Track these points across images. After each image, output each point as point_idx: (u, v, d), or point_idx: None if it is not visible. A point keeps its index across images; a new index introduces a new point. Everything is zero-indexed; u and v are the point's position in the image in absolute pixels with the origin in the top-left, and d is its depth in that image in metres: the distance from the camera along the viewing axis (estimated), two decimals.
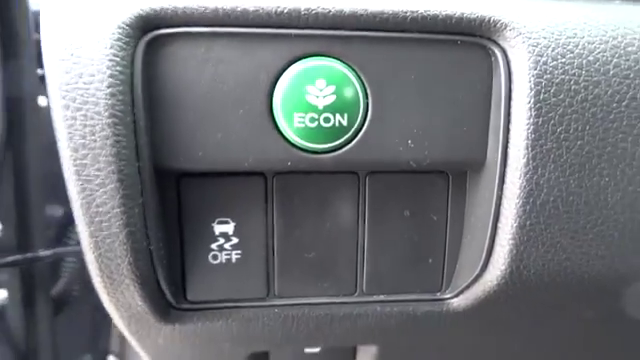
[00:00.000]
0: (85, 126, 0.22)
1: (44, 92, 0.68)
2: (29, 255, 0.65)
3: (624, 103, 0.24)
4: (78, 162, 0.22)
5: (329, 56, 0.24)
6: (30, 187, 0.68)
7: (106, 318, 0.82)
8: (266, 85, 0.24)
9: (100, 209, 0.22)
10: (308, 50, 0.24)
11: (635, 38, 0.25)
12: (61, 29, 0.22)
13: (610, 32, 0.24)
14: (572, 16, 0.25)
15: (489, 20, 0.24)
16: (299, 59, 0.24)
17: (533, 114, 0.24)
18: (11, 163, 0.65)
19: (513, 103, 0.24)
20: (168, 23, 0.22)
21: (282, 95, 0.24)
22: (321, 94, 0.24)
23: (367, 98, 0.24)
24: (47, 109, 0.73)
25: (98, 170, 0.22)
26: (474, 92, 0.25)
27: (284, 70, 0.24)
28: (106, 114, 0.21)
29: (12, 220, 0.65)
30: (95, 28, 0.22)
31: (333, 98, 0.24)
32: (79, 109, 0.21)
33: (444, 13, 0.24)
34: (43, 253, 0.66)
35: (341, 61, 0.24)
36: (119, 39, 0.22)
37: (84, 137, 0.22)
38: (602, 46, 0.24)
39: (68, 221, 0.74)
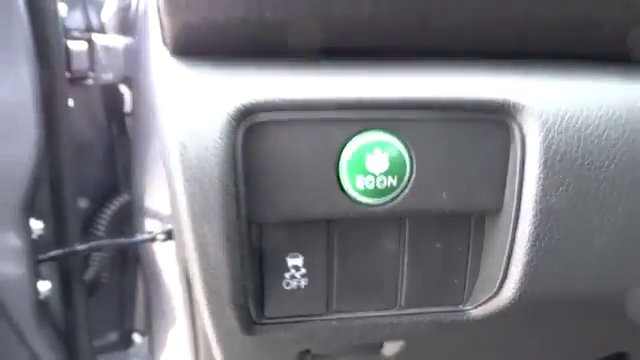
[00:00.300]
0: (202, 197, 0.28)
1: (72, 94, 0.72)
2: (67, 250, 0.71)
3: (612, 167, 0.31)
4: (196, 223, 0.28)
5: (383, 130, 0.30)
6: (65, 184, 0.73)
7: (130, 300, 0.89)
8: (334, 155, 0.30)
9: (211, 257, 0.29)
10: (367, 126, 0.30)
11: (623, 112, 0.31)
12: (181, 121, 0.27)
13: (604, 108, 0.31)
14: (575, 95, 0.31)
15: (509, 103, 0.30)
16: (360, 133, 0.30)
17: (542, 177, 0.30)
18: (47, 162, 0.70)
19: (526, 167, 0.31)
20: (261, 110, 0.28)
21: (347, 163, 0.30)
22: (377, 161, 0.30)
23: (412, 163, 0.31)
24: (74, 110, 0.77)
25: (210, 229, 0.28)
26: (495, 157, 0.31)
27: (348, 142, 0.30)
28: (217, 187, 0.28)
29: (50, 217, 0.71)
30: (207, 119, 0.27)
31: (387, 164, 0.30)
32: (198, 183, 0.27)
33: (474, 97, 0.30)
34: (79, 247, 0.72)
35: (392, 134, 0.30)
36: (226, 128, 0.27)
37: (200, 204, 0.28)
38: (597, 121, 0.31)
39: (94, 213, 0.79)
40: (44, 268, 0.71)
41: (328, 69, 0.30)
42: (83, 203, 0.79)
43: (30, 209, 0.68)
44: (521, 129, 0.31)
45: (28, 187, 0.67)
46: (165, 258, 0.78)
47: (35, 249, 0.68)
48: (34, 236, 0.68)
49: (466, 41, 0.31)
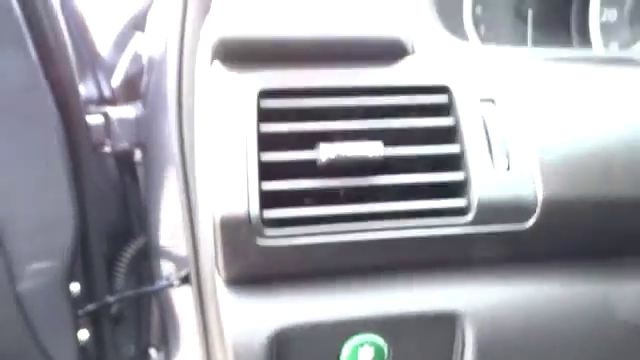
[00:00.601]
0: None
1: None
2: (100, 303, 0.84)
3: (531, 348, 0.45)
4: None
5: (370, 332, 0.44)
6: (93, 249, 0.85)
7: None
8: (336, 349, 0.43)
9: None
10: (359, 331, 0.43)
11: (535, 310, 0.45)
12: (233, 332, 0.40)
13: (523, 308, 0.45)
14: (502, 300, 0.45)
15: (451, 313, 0.44)
16: (355, 334, 0.44)
17: (475, 357, 0.45)
18: (79, 233, 0.81)
19: (465, 352, 0.45)
20: (290, 332, 0.41)
21: (345, 357, 0.44)
22: (366, 353, 0.44)
23: (390, 351, 0.45)
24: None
25: None
26: (444, 343, 0.45)
27: (345, 342, 0.44)
28: None
29: (83, 277, 0.83)
30: (253, 337, 0.40)
31: (372, 354, 0.44)
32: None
33: (426, 310, 0.43)
34: (110, 300, 0.86)
35: (376, 334, 0.44)
36: (266, 342, 0.40)
37: None
38: (517, 318, 0.45)
39: (112, 256, 0.91)
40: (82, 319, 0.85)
41: (331, 290, 0.43)
42: (103, 247, 0.90)
43: (71, 277, 0.81)
44: (461, 328, 0.44)
45: (68, 261, 0.79)
46: (179, 296, 0.92)
47: (74, 306, 0.82)
48: (73, 295, 0.81)
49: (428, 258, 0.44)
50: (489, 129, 0.42)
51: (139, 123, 0.88)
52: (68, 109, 0.77)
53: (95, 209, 0.85)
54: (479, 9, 0.68)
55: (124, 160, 0.93)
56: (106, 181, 0.93)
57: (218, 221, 0.38)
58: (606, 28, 0.67)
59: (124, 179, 0.96)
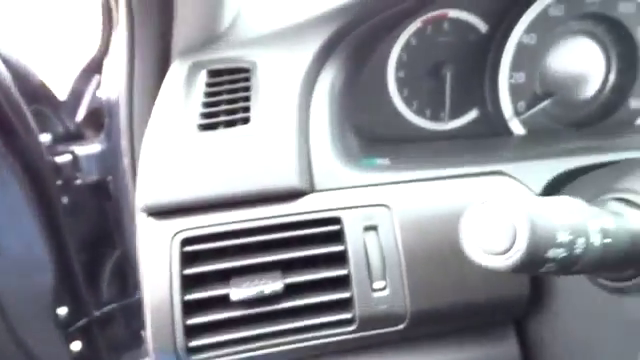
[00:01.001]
0: None
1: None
2: (87, 319, 0.97)
3: None
4: None
5: None
6: (75, 275, 0.97)
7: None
8: None
9: None
10: None
11: None
12: None
13: None
14: None
15: None
16: None
17: None
18: (58, 263, 0.92)
19: None
20: None
21: None
22: None
23: None
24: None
25: None
26: None
27: None
28: None
29: (69, 301, 0.95)
30: None
31: None
32: None
33: None
34: (97, 314, 0.99)
35: None
36: None
37: None
38: None
39: (95, 265, 1.02)
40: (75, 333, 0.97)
41: None
42: (84, 257, 1.00)
43: (56, 303, 0.92)
44: None
45: (51, 292, 0.91)
46: None
47: (64, 324, 0.94)
48: (61, 318, 0.94)
49: None
50: (370, 255, 0.51)
51: (105, 155, 0.96)
52: (29, 155, 0.84)
53: (74, 234, 0.94)
54: (402, 73, 0.74)
55: (96, 185, 1.01)
56: (82, 205, 1.01)
57: (151, 351, 0.48)
58: (515, 89, 0.73)
59: (99, 199, 1.04)
